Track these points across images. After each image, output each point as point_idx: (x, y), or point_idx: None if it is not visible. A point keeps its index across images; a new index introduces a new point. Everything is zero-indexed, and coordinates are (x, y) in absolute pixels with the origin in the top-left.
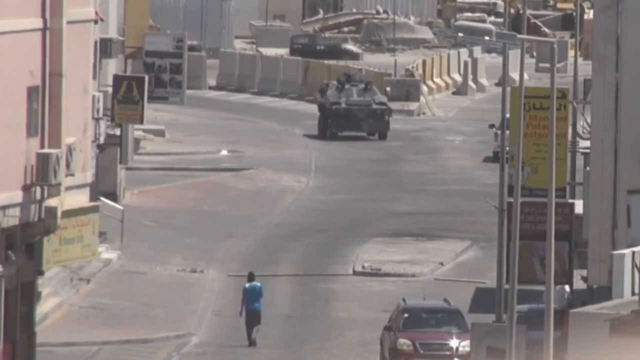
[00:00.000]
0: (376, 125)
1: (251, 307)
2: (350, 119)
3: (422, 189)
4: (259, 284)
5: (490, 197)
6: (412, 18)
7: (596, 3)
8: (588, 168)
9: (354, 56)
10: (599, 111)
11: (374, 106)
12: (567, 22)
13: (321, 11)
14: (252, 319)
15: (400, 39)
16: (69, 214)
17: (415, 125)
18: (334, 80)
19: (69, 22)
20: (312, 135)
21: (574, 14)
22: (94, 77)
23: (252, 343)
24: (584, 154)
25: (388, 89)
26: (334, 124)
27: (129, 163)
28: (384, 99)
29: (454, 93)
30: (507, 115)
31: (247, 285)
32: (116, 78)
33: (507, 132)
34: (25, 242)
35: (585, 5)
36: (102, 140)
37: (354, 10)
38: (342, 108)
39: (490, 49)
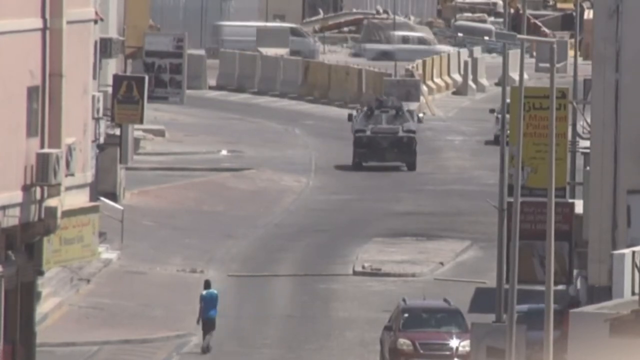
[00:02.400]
0: (402, 155)
1: (207, 314)
2: (373, 148)
3: (422, 189)
4: (215, 292)
5: (490, 197)
6: (412, 18)
7: (596, 5)
8: (588, 168)
9: None
10: (599, 111)
11: (400, 134)
12: (567, 22)
13: (321, 11)
14: (208, 326)
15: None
16: (69, 214)
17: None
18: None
19: (69, 22)
20: (345, 165)
21: (574, 14)
22: (94, 77)
23: (206, 350)
24: (584, 154)
25: (421, 114)
26: (357, 154)
27: (129, 163)
28: (414, 126)
29: (454, 93)
30: (508, 101)
31: (205, 292)
32: (116, 78)
33: (508, 116)
34: (25, 242)
35: (585, 5)
36: (102, 140)
37: (354, 10)
38: (365, 136)
39: (490, 49)
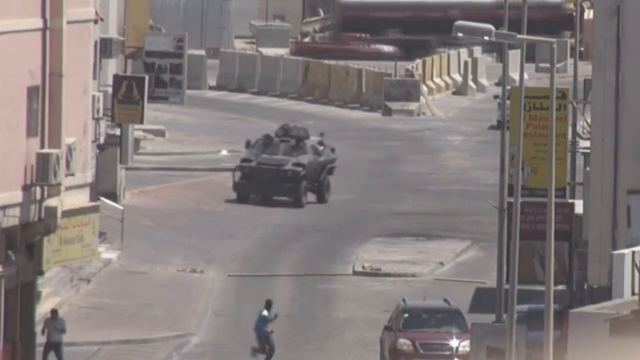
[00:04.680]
0: (286, 190)
1: (256, 331)
2: (254, 181)
3: (422, 189)
4: (264, 313)
5: (490, 197)
6: None
7: (596, 5)
8: (588, 168)
9: None
10: (599, 111)
11: (286, 168)
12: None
13: (321, 11)
14: (260, 343)
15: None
16: (69, 214)
17: (415, 125)
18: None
19: (69, 22)
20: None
21: (574, 14)
22: (94, 77)
23: (253, 354)
24: (584, 154)
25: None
26: (236, 185)
27: (129, 163)
28: (307, 159)
29: (454, 93)
30: (508, 88)
31: (265, 313)
32: (116, 78)
33: (508, 102)
34: (25, 242)
35: (585, 5)
36: (102, 140)
37: None
38: (248, 167)
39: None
